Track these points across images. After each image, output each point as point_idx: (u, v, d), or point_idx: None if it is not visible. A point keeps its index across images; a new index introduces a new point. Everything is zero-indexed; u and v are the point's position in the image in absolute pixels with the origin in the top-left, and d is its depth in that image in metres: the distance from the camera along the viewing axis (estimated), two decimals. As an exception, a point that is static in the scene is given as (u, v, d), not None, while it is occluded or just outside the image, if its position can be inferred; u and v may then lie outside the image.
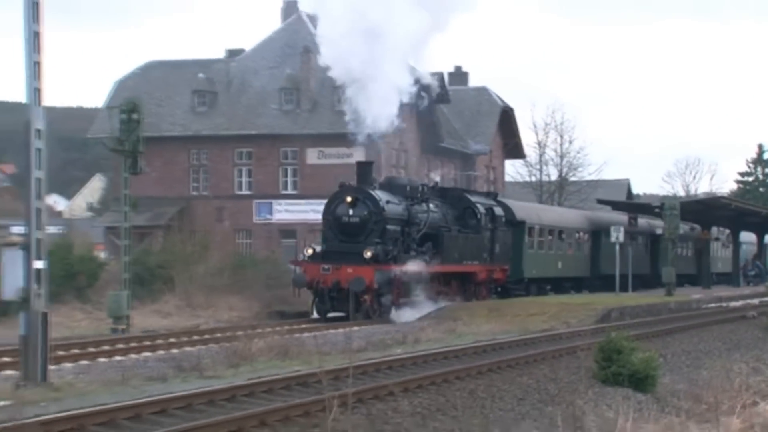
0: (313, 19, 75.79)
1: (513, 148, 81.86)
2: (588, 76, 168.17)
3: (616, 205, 65.41)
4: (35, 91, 18.43)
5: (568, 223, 54.43)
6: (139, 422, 14.03)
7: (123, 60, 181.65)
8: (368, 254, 33.91)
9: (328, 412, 11.01)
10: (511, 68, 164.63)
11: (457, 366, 20.97)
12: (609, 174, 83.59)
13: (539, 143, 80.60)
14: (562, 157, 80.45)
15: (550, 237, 51.04)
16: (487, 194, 47.83)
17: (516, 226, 45.99)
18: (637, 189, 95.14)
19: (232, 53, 74.59)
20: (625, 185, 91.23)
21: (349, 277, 33.47)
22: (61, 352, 20.91)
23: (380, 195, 35.80)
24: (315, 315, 35.42)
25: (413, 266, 35.48)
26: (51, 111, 18.91)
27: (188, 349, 24.29)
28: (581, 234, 55.70)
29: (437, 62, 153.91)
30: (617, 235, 49.05)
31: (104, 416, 14.04)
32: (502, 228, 43.49)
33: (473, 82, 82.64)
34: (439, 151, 73.28)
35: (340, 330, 29.60)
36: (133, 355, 22.72)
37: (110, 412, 14.31)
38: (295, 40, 71.91)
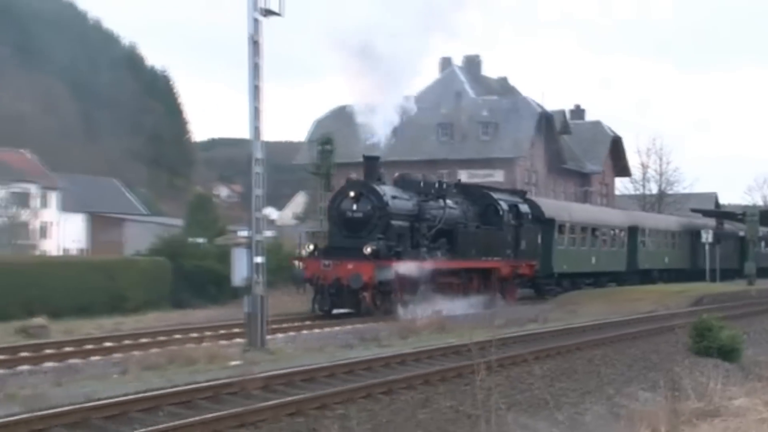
0: (463, 70, 76.82)
1: (621, 168, 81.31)
2: (684, 109, 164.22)
3: (706, 213, 63.44)
4: (256, 130, 18.78)
5: (602, 221, 45.69)
6: (333, 379, 14.19)
7: (321, 104, 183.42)
8: (368, 250, 26.39)
9: (477, 374, 11.00)
10: (620, 105, 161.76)
11: (577, 339, 20.69)
12: (700, 188, 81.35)
13: (642, 164, 79.06)
14: (661, 174, 78.74)
15: (582, 234, 42.40)
16: (514, 192, 39.12)
17: (545, 223, 38.26)
18: (723, 200, 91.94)
19: (403, 97, 75.40)
20: (713, 197, 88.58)
21: (349, 273, 26.30)
22: (274, 326, 21.23)
23: (385, 190, 28.31)
24: (318, 311, 27.27)
25: (418, 262, 27.72)
26: (267, 144, 19.22)
27: (364, 326, 24.34)
28: (617, 231, 46.49)
29: (561, 101, 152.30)
30: (707, 236, 48.68)
31: (307, 374, 14.27)
32: (529, 225, 35.32)
33: (589, 117, 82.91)
34: (561, 171, 73.16)
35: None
36: (327, 329, 22.98)
37: (311, 371, 14.53)
38: (450, 86, 72.99)
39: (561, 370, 16.36)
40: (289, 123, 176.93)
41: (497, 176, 64.81)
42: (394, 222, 27.84)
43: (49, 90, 78.05)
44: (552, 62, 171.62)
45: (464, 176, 63.40)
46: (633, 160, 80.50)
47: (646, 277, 47.44)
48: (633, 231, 47.07)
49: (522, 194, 38.11)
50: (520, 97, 74.44)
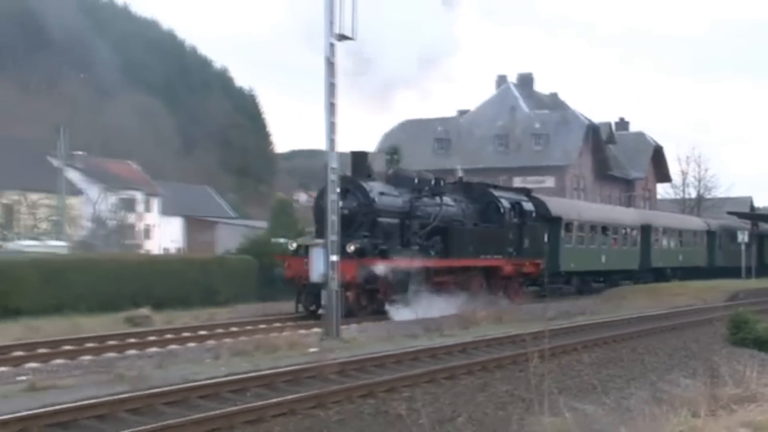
0: (517, 87, 76.69)
1: (663, 175, 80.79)
2: (722, 121, 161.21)
3: (741, 215, 62.15)
4: (331, 142, 18.90)
5: (613, 220, 41.12)
6: (399, 365, 14.22)
7: (389, 119, 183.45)
8: (351, 248, 22.46)
9: (530, 361, 10.93)
10: (663, 117, 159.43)
11: (622, 330, 20.46)
12: (736, 192, 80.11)
13: (682, 171, 78.24)
14: (699, 180, 77.79)
15: (592, 232, 38.04)
16: (519, 190, 35.22)
17: (552, 221, 34.39)
18: (759, 203, 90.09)
19: (461, 112, 75.88)
20: (749, 201, 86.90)
21: None
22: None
23: (372, 186, 24.50)
24: (301, 312, 23.47)
25: (406, 261, 23.89)
26: (340, 155, 19.38)
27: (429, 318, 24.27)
28: (628, 230, 42.02)
29: (607, 114, 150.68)
30: (743, 237, 47.65)
31: (377, 360, 14.31)
32: (533, 223, 31.22)
33: (633, 128, 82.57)
34: (607, 177, 72.89)
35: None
36: (396, 320, 22.97)
37: (381, 358, 14.57)
38: (505, 102, 73.13)
39: (608, 359, 16.19)
40: (361, 135, 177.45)
41: (548, 182, 64.71)
42: (381, 219, 24.29)
43: (150, 108, 79.40)
44: (599, 78, 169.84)
45: (518, 182, 63.26)
46: (673, 168, 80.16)
47: (660, 275, 43.49)
48: (646, 230, 43.18)
49: (527, 192, 34.15)
50: (569, 111, 74.25)
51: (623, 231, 41.27)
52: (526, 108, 73.16)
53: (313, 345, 16.51)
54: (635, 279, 41.77)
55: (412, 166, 41.51)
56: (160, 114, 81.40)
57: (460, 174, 32.85)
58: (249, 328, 20.09)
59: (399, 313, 23.20)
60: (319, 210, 22.64)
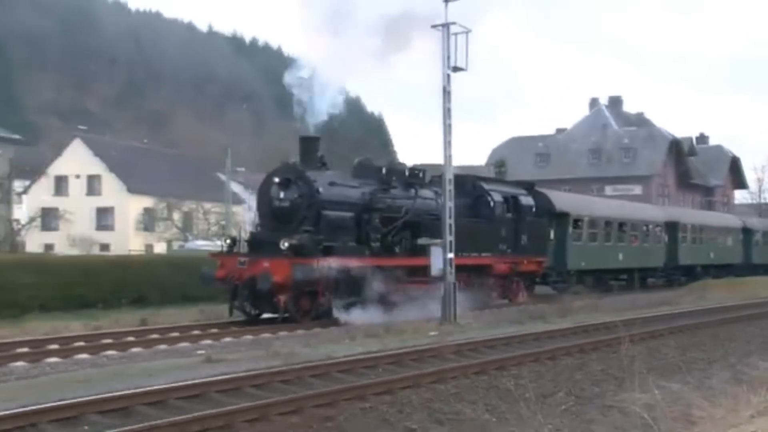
0: (608, 108, 75.22)
1: (739, 182, 78.05)
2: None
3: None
4: (448, 158, 18.89)
5: (630, 216, 33.83)
6: (508, 347, 14.03)
7: (496, 136, 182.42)
8: (285, 245, 17.02)
9: (622, 345, 10.62)
10: (741, 130, 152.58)
11: (704, 318, 19.65)
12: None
13: (758, 178, 74.81)
14: (774, 186, 74.61)
15: (606, 229, 31.38)
16: (518, 183, 27.43)
17: (558, 217, 28.30)
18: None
19: (559, 130, 75.13)
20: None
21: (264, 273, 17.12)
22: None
23: (319, 176, 18.59)
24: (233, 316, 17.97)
25: (357, 259, 18.13)
26: (454, 168, 19.33)
27: (534, 307, 23.90)
28: (651, 227, 35.17)
29: (688, 129, 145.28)
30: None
31: (488, 343, 14.15)
32: (532, 218, 24.96)
33: (712, 141, 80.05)
34: (689, 185, 71.10)
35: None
36: (504, 309, 22.69)
37: (492, 340, 14.41)
38: (597, 120, 72.20)
39: (691, 343, 15.57)
40: (471, 150, 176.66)
41: (636, 190, 63.39)
42: (328, 212, 18.41)
43: (299, 133, 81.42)
44: (681, 98, 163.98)
45: (609, 191, 62.00)
46: (750, 176, 76.78)
47: (689, 272, 37.48)
48: (672, 227, 36.47)
49: (529, 186, 27.08)
50: (654, 128, 72.95)
51: (644, 228, 34.71)
52: (615, 126, 72.14)
53: (434, 329, 16.45)
54: (664, 276, 36.27)
55: (515, 177, 40.88)
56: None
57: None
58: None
59: (353, 316, 17.90)
60: (262, 199, 18.91)
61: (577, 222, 29.66)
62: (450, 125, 18.67)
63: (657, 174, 66.90)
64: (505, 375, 11.19)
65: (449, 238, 18.64)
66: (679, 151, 70.48)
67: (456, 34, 18.48)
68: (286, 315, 17.30)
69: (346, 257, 17.91)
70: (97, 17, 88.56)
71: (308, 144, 19.27)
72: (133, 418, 8.12)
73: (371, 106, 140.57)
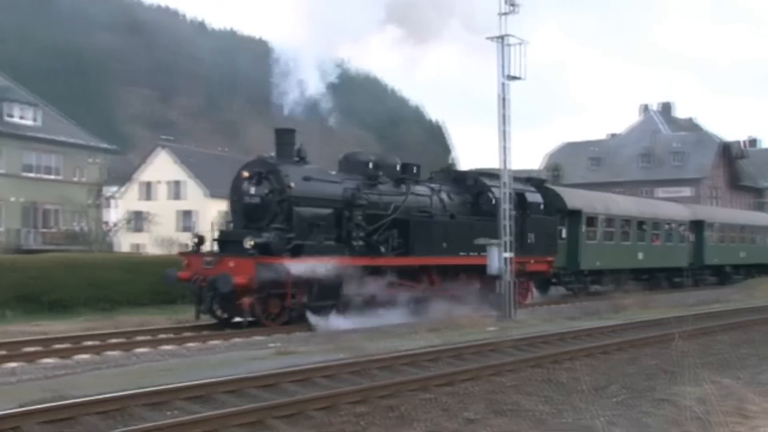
0: (658, 113, 73.60)
1: (789, 183, 75.63)
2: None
3: None
4: (504, 162, 18.72)
5: (652, 214, 30.53)
6: (562, 342, 13.81)
7: (551, 142, 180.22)
8: (249, 243, 15.06)
9: (674, 340, 10.34)
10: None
11: (754, 316, 18.99)
12: None
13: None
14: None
15: (624, 228, 28.30)
16: (525, 180, 23.58)
17: (571, 215, 25.36)
18: None
19: (611, 135, 74.04)
20: None
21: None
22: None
23: (291, 170, 16.17)
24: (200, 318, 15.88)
25: (332, 259, 15.79)
26: (512, 172, 19.15)
27: (588, 303, 23.53)
28: (674, 225, 31.56)
29: (737, 133, 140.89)
30: None
31: (544, 338, 13.97)
32: (540, 216, 22.19)
33: (764, 145, 77.78)
34: (739, 187, 69.27)
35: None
36: (560, 305, 22.38)
37: (547, 335, 14.23)
38: (648, 125, 70.99)
39: (741, 340, 15.04)
40: (526, 155, 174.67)
41: (685, 192, 62.04)
42: (301, 209, 15.98)
43: (364, 139, 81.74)
44: (731, 102, 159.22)
45: (660, 193, 60.63)
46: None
47: (718, 272, 34.73)
48: (698, 225, 33.35)
49: (538, 183, 24.13)
50: (703, 132, 71.40)
51: (666, 226, 31.19)
52: (666, 130, 70.78)
53: (492, 325, 16.30)
54: (689, 276, 32.50)
55: (569, 181, 40.25)
56: (371, 143, 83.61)
57: (450, 161, 23.87)
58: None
59: (331, 321, 15.78)
60: (233, 195, 16.54)
61: (591, 220, 26.61)
62: (506, 131, 18.55)
63: (707, 177, 65.33)
64: (560, 368, 11.01)
65: (506, 238, 18.46)
66: (728, 155, 68.72)
67: (511, 45, 18.34)
68: (252, 319, 15.07)
69: (320, 257, 15.58)
70: (180, 36, 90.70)
71: (284, 136, 16.66)
72: (212, 405, 8.24)
73: (433, 113, 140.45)
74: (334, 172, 17.89)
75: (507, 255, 18.36)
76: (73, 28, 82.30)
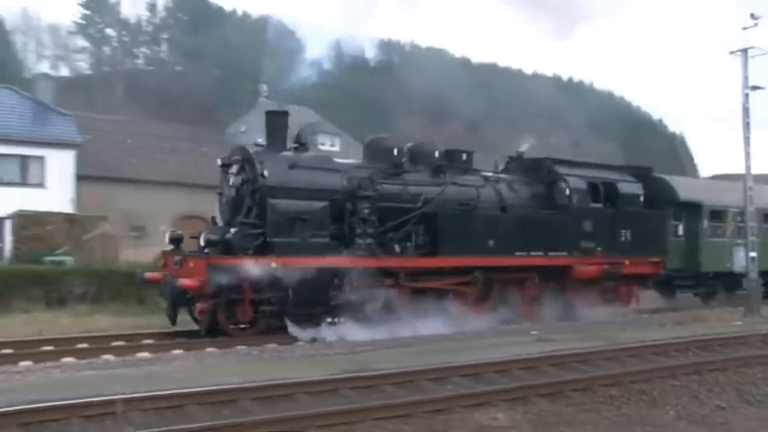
0: None
1: None
2: None
3: None
4: (748, 167, 17.17)
5: None
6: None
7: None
8: (203, 241, 11.46)
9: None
10: None
11: None
12: None
13: None
14: None
15: (765, 224, 20.01)
16: (626, 168, 17.42)
17: (685, 208, 18.64)
18: None
19: None
20: None
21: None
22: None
23: (269, 157, 11.82)
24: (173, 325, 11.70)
25: (312, 259, 11.43)
26: (756, 176, 17.27)
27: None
28: None
29: None
30: None
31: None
32: (639, 209, 16.03)
33: None
34: None
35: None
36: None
37: None
38: None
39: None
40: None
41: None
42: (277, 201, 11.61)
43: (609, 151, 78.18)
44: None
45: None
46: None
47: None
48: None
49: (642, 171, 17.26)
50: None
51: None
52: None
53: (738, 320, 14.85)
54: None
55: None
56: (616, 156, 79.89)
57: (522, 149, 16.45)
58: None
59: (323, 333, 11.61)
60: (220, 186, 12.73)
61: (714, 214, 19.52)
62: (748, 138, 17.22)
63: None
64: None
65: (752, 238, 16.86)
66: None
67: (754, 56, 16.96)
68: (211, 328, 11.31)
69: (300, 256, 11.51)
70: (443, 69, 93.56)
71: (275, 120, 12.49)
72: (483, 382, 8.45)
73: (673, 126, 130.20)
74: (348, 161, 13.68)
75: (752, 255, 16.85)
76: (355, 69, 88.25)
